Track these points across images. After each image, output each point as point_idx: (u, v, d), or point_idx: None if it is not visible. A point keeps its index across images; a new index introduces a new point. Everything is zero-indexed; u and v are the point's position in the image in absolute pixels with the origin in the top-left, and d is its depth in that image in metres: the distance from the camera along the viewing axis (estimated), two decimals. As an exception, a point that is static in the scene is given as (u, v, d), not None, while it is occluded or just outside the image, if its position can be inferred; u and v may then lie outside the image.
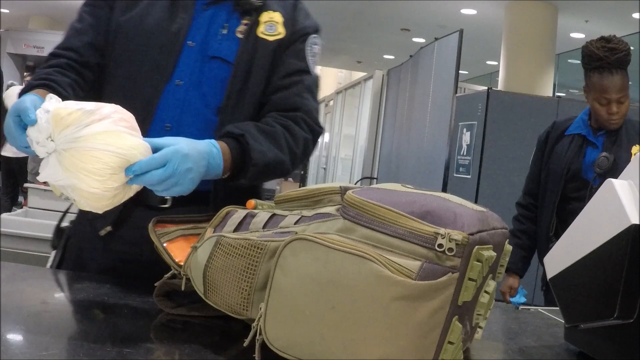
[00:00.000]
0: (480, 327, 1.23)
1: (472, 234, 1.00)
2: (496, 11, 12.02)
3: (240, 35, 1.83)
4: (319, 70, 1.97)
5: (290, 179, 22.65)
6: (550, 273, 1.43)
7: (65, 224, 1.95)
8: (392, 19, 14.16)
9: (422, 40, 14.46)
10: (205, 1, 1.85)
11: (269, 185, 17.55)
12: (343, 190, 1.24)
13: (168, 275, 1.39)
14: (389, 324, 0.96)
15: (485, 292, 1.12)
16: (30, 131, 1.34)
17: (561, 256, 1.38)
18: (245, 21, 1.85)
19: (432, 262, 0.98)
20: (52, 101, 1.35)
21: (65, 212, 1.95)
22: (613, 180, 1.22)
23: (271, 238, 1.16)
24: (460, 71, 7.45)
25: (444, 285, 0.98)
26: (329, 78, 28.18)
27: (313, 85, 1.93)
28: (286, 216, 1.26)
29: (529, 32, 11.33)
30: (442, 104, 7.60)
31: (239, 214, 1.32)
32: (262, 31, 1.85)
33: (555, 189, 3.36)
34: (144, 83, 1.79)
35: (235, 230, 1.28)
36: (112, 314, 1.40)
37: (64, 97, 1.50)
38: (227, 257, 1.19)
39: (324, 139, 16.01)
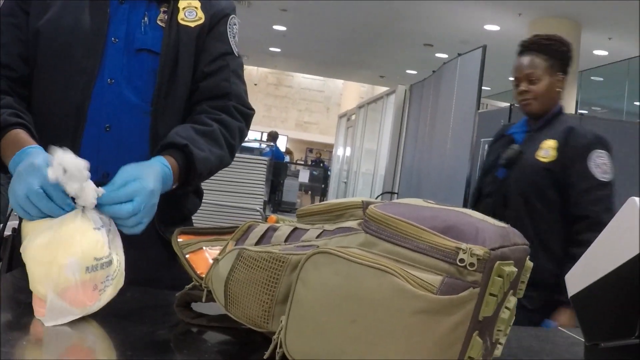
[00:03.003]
0: (500, 344, 1.22)
1: (493, 249, 1.00)
2: (519, 27, 12.00)
3: (162, 24, 1.84)
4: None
5: (310, 192, 22.67)
6: (572, 291, 1.43)
7: (7, 232, 1.87)
8: (415, 34, 14.17)
9: (445, 55, 14.45)
10: None
11: (288, 198, 17.64)
12: (365, 205, 1.24)
13: (189, 286, 1.39)
14: (410, 338, 0.96)
15: (506, 307, 1.12)
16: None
17: (582, 274, 1.37)
18: (163, 9, 1.86)
19: (454, 277, 0.98)
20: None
21: (7, 221, 1.90)
22: (635, 198, 1.22)
23: (293, 251, 1.16)
24: (482, 87, 7.44)
25: (465, 300, 0.98)
26: (351, 92, 28.29)
27: (239, 67, 1.96)
28: (308, 230, 1.26)
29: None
30: (464, 120, 7.59)
31: (261, 227, 1.33)
32: (182, 18, 1.86)
33: (476, 187, 3.31)
34: (71, 86, 1.77)
35: (257, 243, 1.29)
36: (129, 322, 1.40)
37: (34, 137, 1.59)
38: (248, 270, 1.19)
39: (345, 152, 15.99)
